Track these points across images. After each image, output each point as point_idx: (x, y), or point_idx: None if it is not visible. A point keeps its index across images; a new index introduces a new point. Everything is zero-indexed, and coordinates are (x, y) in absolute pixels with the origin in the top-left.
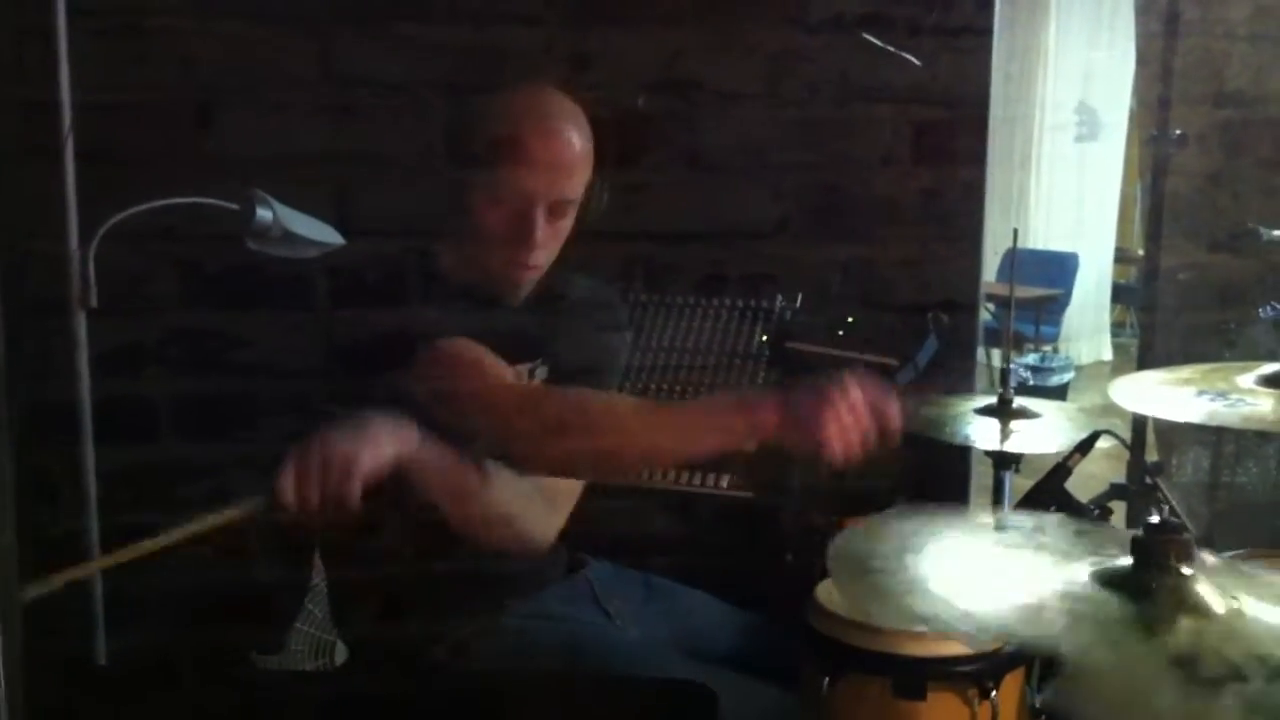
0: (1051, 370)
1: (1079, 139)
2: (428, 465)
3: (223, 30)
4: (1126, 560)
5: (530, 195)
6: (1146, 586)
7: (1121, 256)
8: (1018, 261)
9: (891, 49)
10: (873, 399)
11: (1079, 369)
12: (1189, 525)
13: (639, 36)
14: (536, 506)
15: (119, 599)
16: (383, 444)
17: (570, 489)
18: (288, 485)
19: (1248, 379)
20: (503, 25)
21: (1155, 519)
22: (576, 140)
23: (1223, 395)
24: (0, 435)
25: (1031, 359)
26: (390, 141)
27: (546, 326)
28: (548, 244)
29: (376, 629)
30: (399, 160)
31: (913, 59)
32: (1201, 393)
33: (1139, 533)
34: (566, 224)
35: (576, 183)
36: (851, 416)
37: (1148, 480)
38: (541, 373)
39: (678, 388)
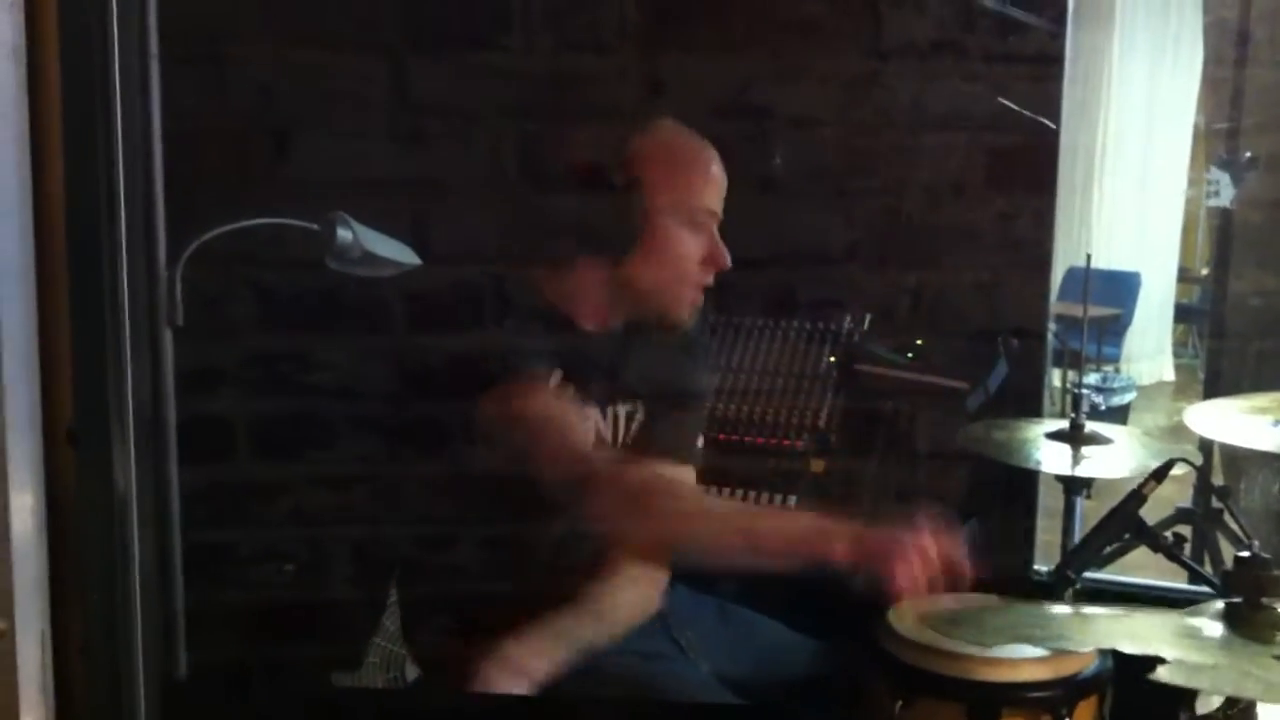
0: (1113, 391)
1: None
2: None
3: (300, 58)
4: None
5: (714, 211)
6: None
7: (1184, 276)
8: (1079, 280)
9: (1026, 113)
10: (945, 549)
11: (1140, 389)
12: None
13: (712, 63)
14: (639, 604)
15: (200, 613)
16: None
17: (663, 563)
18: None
19: None
20: (577, 52)
21: (1244, 553)
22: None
23: None
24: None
25: (1093, 379)
26: (465, 168)
27: (642, 363)
28: None
29: (446, 649)
30: (475, 187)
31: (1048, 123)
32: (1278, 423)
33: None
34: None
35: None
36: (922, 563)
37: (1215, 505)
38: (638, 418)
39: (745, 409)
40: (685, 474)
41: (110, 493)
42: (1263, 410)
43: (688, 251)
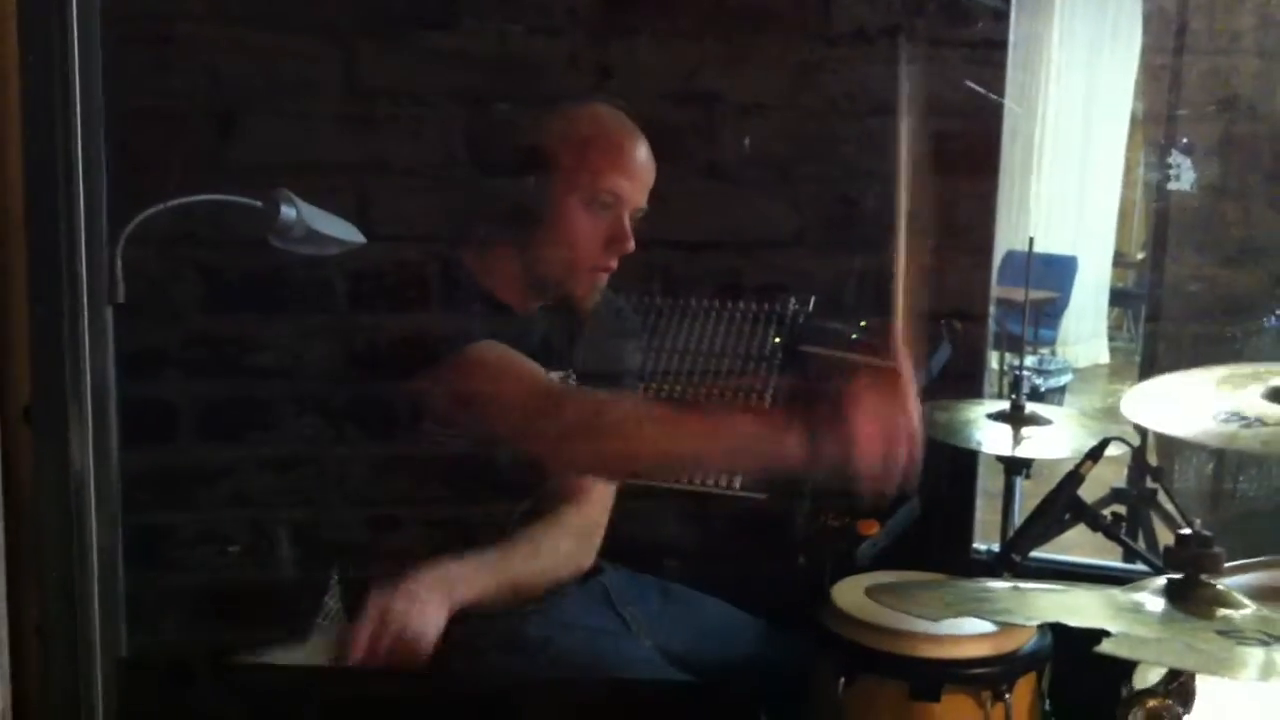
0: (1050, 373)
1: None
2: (482, 599)
3: (247, 39)
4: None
5: (626, 201)
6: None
7: (1120, 260)
8: (1017, 264)
9: (982, 90)
10: (889, 396)
11: (1076, 372)
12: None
13: (661, 48)
14: (573, 555)
15: (142, 593)
16: (446, 610)
17: (601, 519)
18: (359, 649)
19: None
20: (526, 36)
21: (1186, 531)
22: (651, 157)
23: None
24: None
25: (1029, 361)
26: (413, 150)
27: (570, 335)
28: None
29: None
30: (421, 169)
31: (1015, 106)
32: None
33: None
34: None
35: (646, 197)
36: (875, 406)
37: (1149, 485)
38: (571, 381)
39: (692, 390)
40: None
41: (66, 471)
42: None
43: (586, 233)
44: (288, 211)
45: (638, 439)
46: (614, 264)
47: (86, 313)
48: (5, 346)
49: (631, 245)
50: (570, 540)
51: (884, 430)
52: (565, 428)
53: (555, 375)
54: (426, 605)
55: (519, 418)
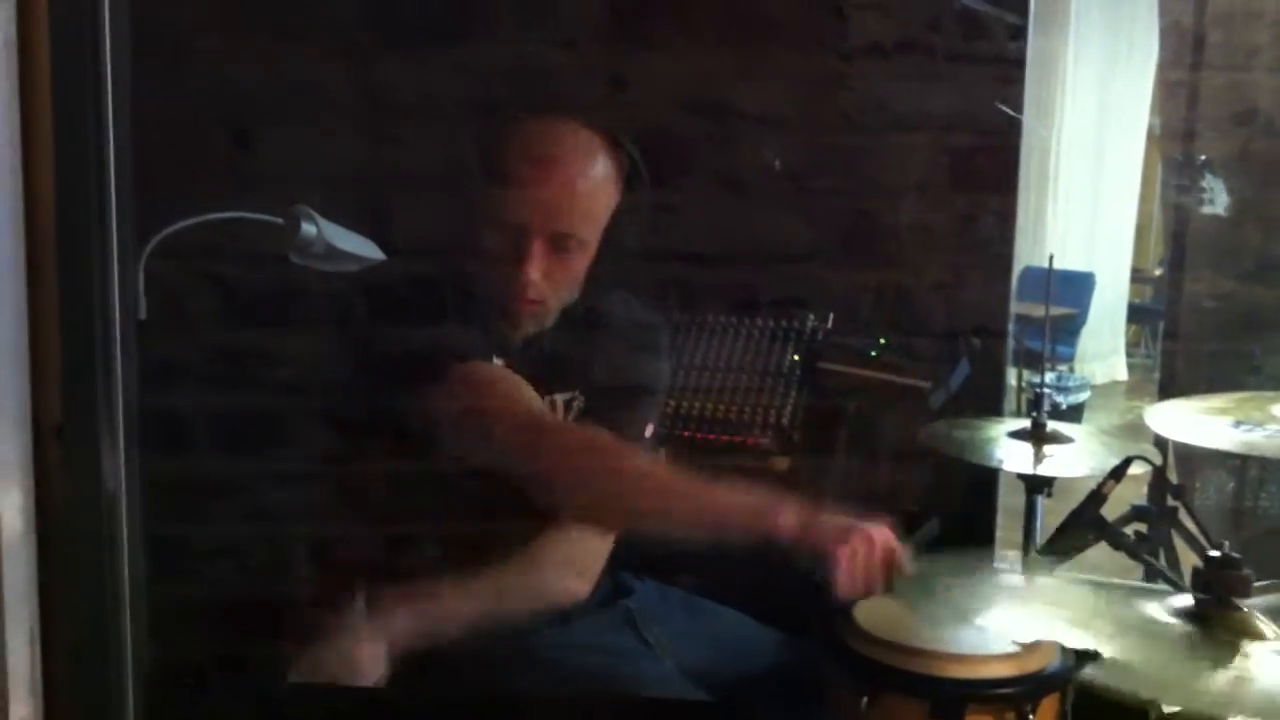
0: (1068, 390)
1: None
2: (433, 636)
3: (263, 52)
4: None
5: (523, 224)
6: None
7: (1138, 277)
8: (1035, 280)
9: (1009, 110)
10: (890, 551)
11: (1094, 389)
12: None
13: (676, 60)
14: (562, 581)
15: (158, 607)
16: (381, 655)
17: (600, 551)
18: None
19: None
20: (540, 48)
21: (1215, 553)
22: (580, 177)
23: (1260, 425)
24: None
25: (1048, 378)
26: (427, 163)
27: (584, 350)
28: (552, 279)
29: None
30: (435, 181)
31: (1032, 121)
32: (1239, 423)
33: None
34: (575, 263)
35: (580, 221)
36: (866, 557)
37: (1170, 503)
38: (577, 404)
39: (709, 406)
40: None
41: (98, 489)
42: (1221, 411)
43: (491, 253)
44: (308, 228)
45: (619, 493)
46: (531, 295)
47: (118, 331)
48: (37, 365)
49: (525, 275)
50: (549, 570)
51: (861, 574)
52: (545, 465)
53: (561, 397)
54: (359, 648)
55: (501, 446)
